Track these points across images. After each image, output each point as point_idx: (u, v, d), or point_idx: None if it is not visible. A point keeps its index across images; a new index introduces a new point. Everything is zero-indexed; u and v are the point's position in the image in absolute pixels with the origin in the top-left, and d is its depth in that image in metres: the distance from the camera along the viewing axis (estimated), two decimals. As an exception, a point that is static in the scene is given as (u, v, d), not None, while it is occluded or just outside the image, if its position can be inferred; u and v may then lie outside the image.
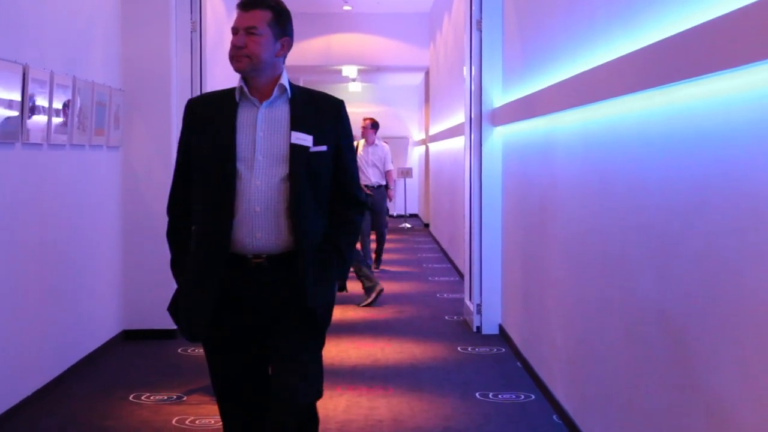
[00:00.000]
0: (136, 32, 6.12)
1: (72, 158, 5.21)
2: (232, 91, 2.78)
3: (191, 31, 6.48)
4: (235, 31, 2.71)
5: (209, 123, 2.74)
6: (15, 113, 4.32)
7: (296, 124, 2.72)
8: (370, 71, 16.58)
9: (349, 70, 16.13)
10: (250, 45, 2.68)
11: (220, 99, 2.78)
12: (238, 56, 2.70)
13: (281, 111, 2.74)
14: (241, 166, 2.68)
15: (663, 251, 2.87)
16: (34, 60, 4.54)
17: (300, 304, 2.70)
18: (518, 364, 5.46)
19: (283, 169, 2.69)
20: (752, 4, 2.09)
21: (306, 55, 14.91)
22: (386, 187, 9.85)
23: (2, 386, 4.29)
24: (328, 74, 17.17)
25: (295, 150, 2.69)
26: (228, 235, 2.66)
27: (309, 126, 2.73)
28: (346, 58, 15.21)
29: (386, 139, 12.61)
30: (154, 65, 6.09)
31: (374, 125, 9.89)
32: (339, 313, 7.23)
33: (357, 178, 2.88)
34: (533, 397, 4.75)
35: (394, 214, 18.14)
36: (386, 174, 9.83)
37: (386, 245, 12.63)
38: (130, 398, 4.72)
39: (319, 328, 2.81)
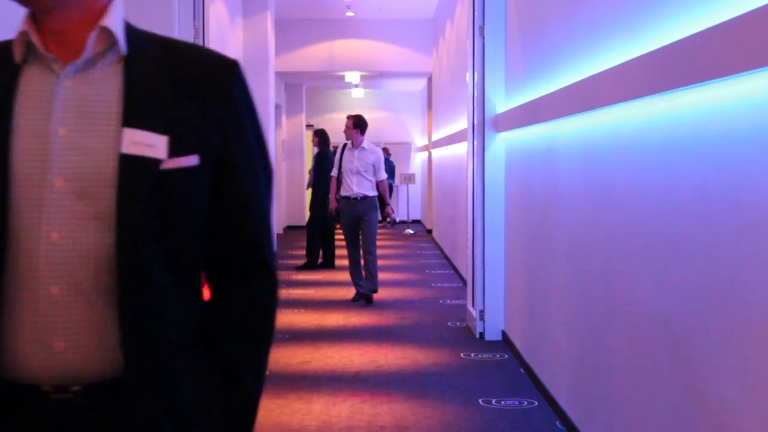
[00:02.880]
0: (140, 39, 6.12)
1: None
2: (7, 45, 1.34)
3: (194, 38, 6.49)
4: None
5: None
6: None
7: (134, 112, 1.30)
8: (373, 77, 16.61)
9: (352, 76, 16.15)
10: None
11: None
12: None
13: (105, 84, 1.32)
14: (19, 203, 1.27)
15: (665, 258, 2.87)
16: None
17: None
18: (521, 370, 5.46)
19: (104, 208, 1.27)
20: (753, 11, 2.10)
21: (308, 61, 14.97)
22: (379, 198, 8.09)
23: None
24: (331, 80, 17.22)
25: (131, 166, 1.27)
26: None
27: (161, 115, 1.32)
28: (348, 64, 15.24)
29: (389, 145, 12.49)
30: (157, 72, 6.08)
31: (357, 124, 7.94)
32: (342, 319, 7.24)
33: (267, 222, 1.43)
34: (536, 403, 4.75)
35: (397, 220, 18.14)
36: (379, 185, 8.00)
37: (387, 251, 12.64)
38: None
39: None
